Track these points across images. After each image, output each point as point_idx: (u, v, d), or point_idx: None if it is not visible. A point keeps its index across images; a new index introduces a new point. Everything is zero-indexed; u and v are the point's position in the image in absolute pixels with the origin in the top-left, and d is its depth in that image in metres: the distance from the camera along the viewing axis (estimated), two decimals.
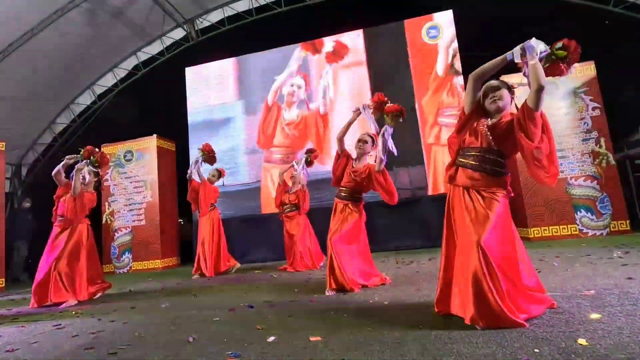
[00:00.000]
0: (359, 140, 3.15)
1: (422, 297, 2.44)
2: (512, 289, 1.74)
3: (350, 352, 1.56)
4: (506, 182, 1.91)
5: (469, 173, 1.90)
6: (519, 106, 1.84)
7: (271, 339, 1.83)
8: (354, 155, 3.21)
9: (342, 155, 3.20)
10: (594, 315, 1.70)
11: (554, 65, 1.81)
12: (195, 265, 5.07)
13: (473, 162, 1.90)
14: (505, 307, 1.63)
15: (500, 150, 1.88)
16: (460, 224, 1.85)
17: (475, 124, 1.94)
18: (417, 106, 6.31)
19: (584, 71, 5.61)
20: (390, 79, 6.50)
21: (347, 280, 2.89)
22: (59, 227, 3.72)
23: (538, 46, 1.76)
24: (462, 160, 1.94)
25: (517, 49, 1.78)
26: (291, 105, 6.93)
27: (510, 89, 1.96)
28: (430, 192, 6.10)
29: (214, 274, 4.95)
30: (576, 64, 5.67)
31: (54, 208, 3.80)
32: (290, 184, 5.04)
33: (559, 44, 1.80)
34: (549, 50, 1.79)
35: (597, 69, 5.56)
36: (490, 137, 1.89)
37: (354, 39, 6.81)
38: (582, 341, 1.41)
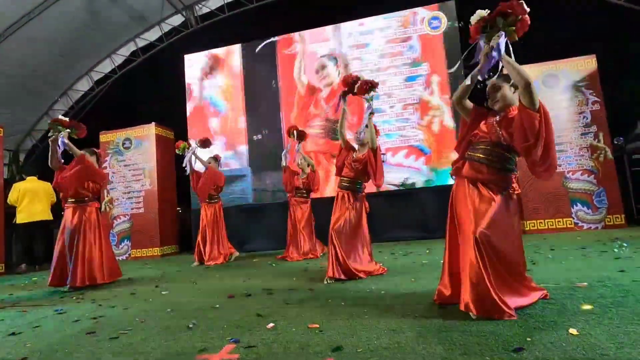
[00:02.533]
0: (357, 132, 3.27)
1: (418, 287, 2.48)
2: (508, 279, 1.77)
3: (347, 339, 1.60)
4: (511, 180, 1.90)
5: (476, 166, 1.90)
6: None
7: (270, 325, 1.87)
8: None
9: (345, 148, 3.30)
10: (586, 306, 1.74)
11: (516, 33, 1.80)
12: (196, 253, 5.11)
13: (481, 155, 1.90)
14: (498, 297, 1.66)
15: (509, 146, 1.87)
16: (464, 215, 1.87)
17: (485, 119, 1.95)
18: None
19: (585, 65, 5.60)
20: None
21: (347, 269, 2.96)
22: (68, 209, 3.77)
23: (497, 43, 1.75)
24: (471, 153, 1.95)
25: (481, 62, 1.83)
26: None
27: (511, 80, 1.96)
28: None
29: (213, 262, 5.00)
30: (578, 57, 5.51)
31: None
32: (298, 170, 5.04)
33: (500, 20, 1.76)
34: (503, 34, 1.77)
35: (598, 63, 5.55)
36: (500, 132, 1.88)
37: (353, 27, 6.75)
38: (573, 331, 1.45)
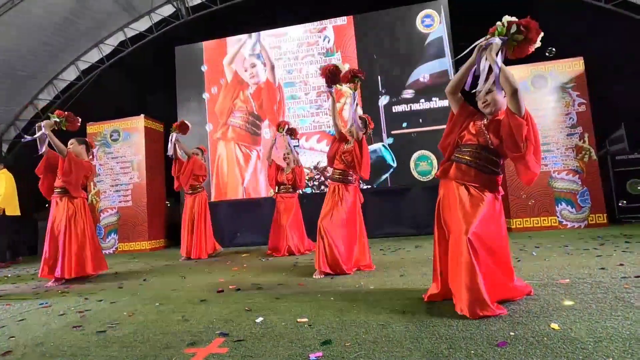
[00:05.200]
0: (349, 124, 3.25)
1: (407, 283, 2.52)
2: (500, 277, 1.80)
3: (336, 333, 1.62)
4: (498, 182, 1.93)
5: (463, 168, 1.92)
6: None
7: (259, 319, 1.88)
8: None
9: (338, 139, 3.31)
10: (567, 302, 1.79)
11: (519, 49, 1.78)
12: (183, 246, 5.07)
13: (468, 158, 1.92)
14: (489, 299, 1.67)
15: (496, 149, 1.90)
16: (452, 216, 1.87)
17: (473, 122, 1.96)
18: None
19: (572, 66, 5.70)
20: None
21: (335, 264, 2.96)
22: (54, 199, 3.70)
23: (494, 42, 1.74)
24: (458, 155, 1.96)
25: (477, 56, 1.81)
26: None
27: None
28: None
29: (200, 256, 4.97)
30: (566, 59, 5.60)
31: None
32: (283, 164, 5.02)
33: (514, 27, 1.73)
34: (507, 38, 1.75)
35: (586, 65, 5.66)
36: (488, 135, 1.90)
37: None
38: (554, 326, 1.50)
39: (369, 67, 6.24)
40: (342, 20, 6.73)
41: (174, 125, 5.06)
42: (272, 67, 6.94)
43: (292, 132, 4.96)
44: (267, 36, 7.02)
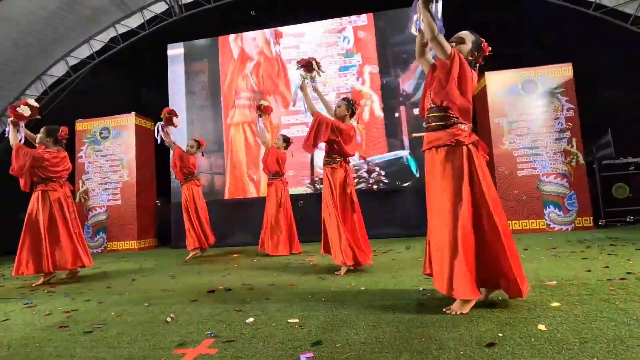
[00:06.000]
0: (337, 106, 3.31)
1: (397, 284, 2.53)
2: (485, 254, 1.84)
3: (326, 333, 1.62)
4: (454, 133, 1.91)
5: (426, 136, 2.03)
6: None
7: (250, 320, 1.87)
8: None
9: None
10: (554, 304, 1.82)
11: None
12: (191, 240, 4.82)
13: (427, 125, 2.04)
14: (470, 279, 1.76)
15: (440, 103, 1.95)
16: (430, 189, 1.98)
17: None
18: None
19: (561, 72, 5.81)
20: None
21: (325, 247, 3.15)
22: (35, 193, 3.57)
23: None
24: (427, 124, 2.05)
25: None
26: None
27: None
28: None
29: (211, 242, 4.96)
30: (556, 65, 5.70)
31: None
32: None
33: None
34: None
35: (574, 71, 5.77)
36: (430, 95, 2.01)
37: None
38: (541, 327, 1.52)
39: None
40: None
41: (163, 112, 4.99)
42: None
43: (261, 110, 4.87)
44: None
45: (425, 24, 1.84)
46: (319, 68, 3.35)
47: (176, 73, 7.26)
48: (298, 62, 3.35)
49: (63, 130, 3.67)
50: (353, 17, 6.70)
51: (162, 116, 4.96)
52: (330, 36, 6.75)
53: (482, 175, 1.86)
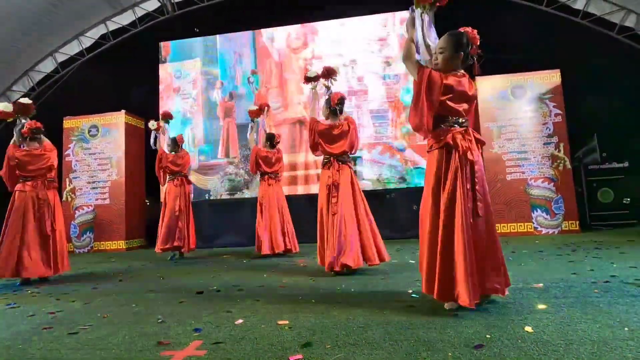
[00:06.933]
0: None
1: (387, 286, 2.54)
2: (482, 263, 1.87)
3: (316, 335, 1.62)
4: (438, 134, 1.95)
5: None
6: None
7: (239, 321, 1.85)
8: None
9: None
10: (541, 306, 1.85)
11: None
12: (168, 239, 4.72)
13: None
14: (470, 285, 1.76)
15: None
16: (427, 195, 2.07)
17: None
18: None
19: (550, 78, 5.93)
20: None
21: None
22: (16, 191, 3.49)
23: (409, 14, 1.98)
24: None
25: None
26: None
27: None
28: None
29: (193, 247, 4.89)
30: (544, 71, 5.80)
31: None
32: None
33: None
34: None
35: (562, 77, 5.89)
36: None
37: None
38: (528, 329, 1.55)
39: None
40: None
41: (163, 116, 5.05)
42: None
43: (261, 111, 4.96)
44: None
45: (405, 44, 1.97)
46: (333, 77, 3.48)
47: (167, 71, 7.20)
48: (324, 68, 3.47)
49: (26, 126, 3.49)
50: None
51: (162, 119, 4.98)
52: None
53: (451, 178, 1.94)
